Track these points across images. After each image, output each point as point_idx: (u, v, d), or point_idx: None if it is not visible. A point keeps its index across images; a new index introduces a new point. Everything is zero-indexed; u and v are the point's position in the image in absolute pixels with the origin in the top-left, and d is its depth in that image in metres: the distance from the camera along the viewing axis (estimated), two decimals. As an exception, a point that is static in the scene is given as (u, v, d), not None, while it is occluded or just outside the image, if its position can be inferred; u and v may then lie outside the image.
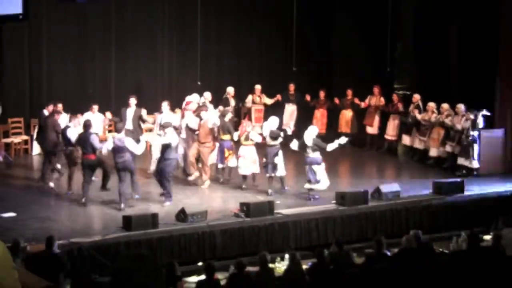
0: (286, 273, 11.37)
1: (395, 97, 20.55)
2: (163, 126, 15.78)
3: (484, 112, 17.63)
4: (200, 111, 17.21)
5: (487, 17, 18.67)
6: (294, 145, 16.00)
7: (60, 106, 17.44)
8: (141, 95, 19.99)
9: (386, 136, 20.59)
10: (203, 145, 16.67)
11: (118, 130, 15.30)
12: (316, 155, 15.68)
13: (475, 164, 17.73)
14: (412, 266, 10.93)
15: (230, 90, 20.06)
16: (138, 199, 15.29)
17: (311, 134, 15.76)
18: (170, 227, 13.74)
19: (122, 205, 14.71)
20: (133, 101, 17.84)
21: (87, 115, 17.24)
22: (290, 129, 16.30)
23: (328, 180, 15.81)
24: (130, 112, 17.74)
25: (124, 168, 14.83)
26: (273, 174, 16.06)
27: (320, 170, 15.67)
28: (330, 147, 15.90)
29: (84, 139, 15.18)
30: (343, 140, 16.03)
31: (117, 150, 14.85)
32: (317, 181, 15.67)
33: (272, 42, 22.87)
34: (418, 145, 19.47)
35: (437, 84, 20.08)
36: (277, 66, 22.65)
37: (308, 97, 21.17)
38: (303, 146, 15.75)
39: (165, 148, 15.30)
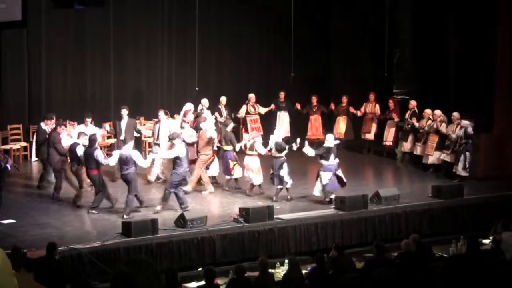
0: (285, 278, 11.37)
1: (391, 103, 20.54)
2: (170, 138, 15.73)
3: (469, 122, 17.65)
4: (199, 122, 17.20)
5: (486, 22, 18.69)
6: (310, 151, 16.06)
7: (53, 120, 17.30)
8: (139, 101, 20.03)
9: (384, 143, 20.58)
10: (200, 153, 16.68)
11: (124, 142, 15.28)
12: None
13: (462, 172, 17.70)
14: (411, 270, 10.94)
15: (222, 99, 19.94)
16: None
17: (332, 141, 15.93)
18: (170, 233, 13.75)
19: (125, 216, 14.69)
20: (124, 112, 17.72)
21: (80, 128, 17.13)
22: (295, 144, 16.25)
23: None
24: (123, 123, 17.65)
25: (125, 179, 14.83)
26: (279, 186, 16.06)
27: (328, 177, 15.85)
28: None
29: (88, 154, 15.19)
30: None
31: (123, 162, 14.85)
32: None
33: (271, 48, 22.88)
34: (416, 151, 19.43)
35: (436, 89, 20.09)
36: (276, 72, 22.67)
37: (298, 106, 21.09)
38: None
39: (174, 160, 15.29)
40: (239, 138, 18.26)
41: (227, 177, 16.91)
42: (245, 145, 16.69)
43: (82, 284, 11.68)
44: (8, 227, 14.10)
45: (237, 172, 16.78)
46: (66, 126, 16.98)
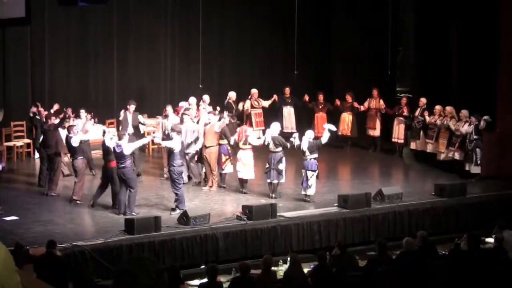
0: (286, 275, 11.37)
1: (403, 100, 20.46)
2: (172, 129, 15.73)
3: (487, 118, 17.57)
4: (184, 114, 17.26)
5: (487, 20, 18.68)
6: (296, 141, 16.04)
7: (43, 110, 17.48)
8: (143, 98, 20.05)
9: (394, 139, 20.48)
10: (209, 149, 16.66)
11: (119, 137, 15.23)
12: (311, 160, 15.71)
13: (476, 169, 17.68)
14: (414, 268, 10.93)
15: (232, 95, 20.03)
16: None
17: (306, 138, 15.82)
18: (173, 230, 13.75)
19: (121, 211, 14.73)
20: (132, 107, 17.84)
21: (77, 121, 17.14)
22: (294, 139, 16.20)
23: (315, 187, 15.87)
24: (130, 117, 17.77)
25: (122, 175, 14.80)
26: (275, 181, 16.04)
27: (313, 176, 15.69)
28: (324, 139, 16.04)
29: (68, 143, 15.49)
30: (332, 127, 16.34)
31: (117, 156, 14.85)
32: (309, 186, 15.71)
33: (274, 46, 22.89)
34: (427, 148, 19.36)
35: (438, 88, 20.07)
36: (279, 69, 22.68)
37: (306, 97, 21.13)
38: (301, 149, 15.83)
39: (169, 153, 15.30)
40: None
41: (219, 171, 16.90)
42: (238, 140, 16.67)
43: (85, 281, 11.68)
44: (11, 224, 14.10)
45: (228, 168, 16.78)
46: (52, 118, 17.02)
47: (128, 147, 14.87)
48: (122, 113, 18.10)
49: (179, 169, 15.13)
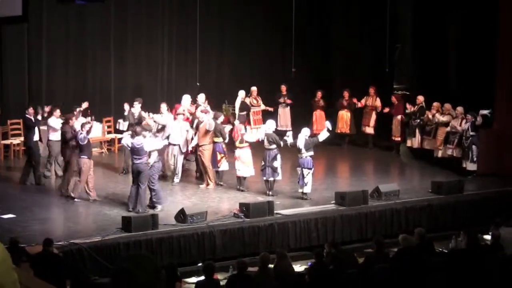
0: (275, 270, 11.41)
1: (393, 99, 20.52)
2: (144, 129, 15.73)
3: (484, 111, 17.60)
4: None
5: (486, 18, 18.69)
6: (289, 139, 16.04)
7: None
8: (140, 96, 20.03)
9: (393, 138, 20.49)
10: (201, 148, 16.66)
11: (137, 134, 15.13)
12: (307, 158, 15.70)
13: (472, 166, 17.71)
14: (411, 265, 10.93)
15: (243, 94, 20.17)
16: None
17: (303, 135, 15.81)
18: (170, 228, 13.75)
19: (130, 207, 14.71)
20: (137, 104, 17.87)
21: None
22: (288, 138, 16.21)
23: (311, 185, 15.84)
24: (135, 113, 17.83)
25: (137, 169, 14.77)
26: (271, 178, 16.05)
27: (309, 174, 15.68)
28: (321, 137, 16.04)
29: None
30: (328, 125, 16.34)
31: (134, 152, 14.84)
32: (305, 184, 15.71)
33: (272, 44, 22.89)
34: (424, 145, 19.39)
35: (436, 85, 20.08)
36: (278, 69, 22.68)
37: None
38: (296, 147, 15.81)
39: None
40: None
41: (214, 169, 16.90)
42: (234, 140, 16.68)
43: (82, 279, 11.69)
44: (8, 222, 14.09)
45: (223, 165, 16.78)
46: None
47: (148, 143, 14.88)
48: (126, 107, 18.05)
49: (155, 167, 15.11)
